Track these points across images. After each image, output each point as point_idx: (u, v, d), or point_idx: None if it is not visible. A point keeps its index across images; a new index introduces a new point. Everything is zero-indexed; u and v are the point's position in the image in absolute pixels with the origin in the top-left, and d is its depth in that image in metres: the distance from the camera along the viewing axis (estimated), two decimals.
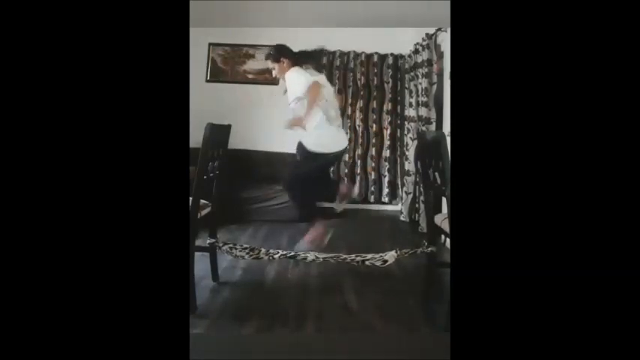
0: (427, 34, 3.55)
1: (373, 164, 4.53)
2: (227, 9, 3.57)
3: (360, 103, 4.52)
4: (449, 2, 0.95)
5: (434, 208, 2.10)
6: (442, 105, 3.44)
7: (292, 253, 2.03)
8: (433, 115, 3.46)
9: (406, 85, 4.22)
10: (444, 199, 2.29)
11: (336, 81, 4.50)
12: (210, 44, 4.53)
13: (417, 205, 3.78)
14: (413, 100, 3.84)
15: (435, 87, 3.49)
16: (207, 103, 4.17)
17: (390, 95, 4.51)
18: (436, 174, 1.81)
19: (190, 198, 1.80)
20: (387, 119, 4.51)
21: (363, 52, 4.52)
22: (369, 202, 4.55)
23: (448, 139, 1.73)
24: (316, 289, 2.19)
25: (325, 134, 2.37)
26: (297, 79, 2.33)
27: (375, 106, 4.53)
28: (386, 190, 4.53)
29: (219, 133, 1.99)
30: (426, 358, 1.56)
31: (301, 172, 2.38)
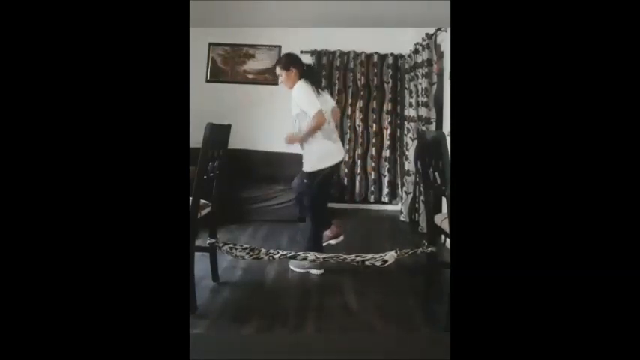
0: (427, 34, 3.55)
1: (373, 164, 4.53)
2: (227, 9, 3.57)
3: (360, 103, 4.52)
4: (449, 2, 0.95)
5: (434, 208, 2.10)
6: (442, 105, 3.45)
7: (292, 253, 2.03)
8: (433, 115, 3.46)
9: (406, 85, 4.22)
10: (444, 199, 2.29)
11: (336, 81, 4.51)
12: (210, 44, 4.53)
13: (417, 205, 3.78)
14: (413, 100, 3.84)
15: (435, 87, 3.49)
16: (207, 103, 4.17)
17: (390, 95, 4.51)
18: (436, 174, 1.81)
19: (190, 198, 1.80)
20: (387, 119, 4.51)
21: (363, 52, 4.52)
22: (369, 202, 4.56)
23: (448, 139, 1.73)
24: (316, 289, 2.19)
25: (322, 150, 2.39)
26: (305, 98, 2.33)
27: (375, 106, 4.53)
28: (386, 190, 4.53)
29: (219, 133, 1.99)
30: (426, 358, 1.56)
31: (310, 192, 2.41)
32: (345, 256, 1.99)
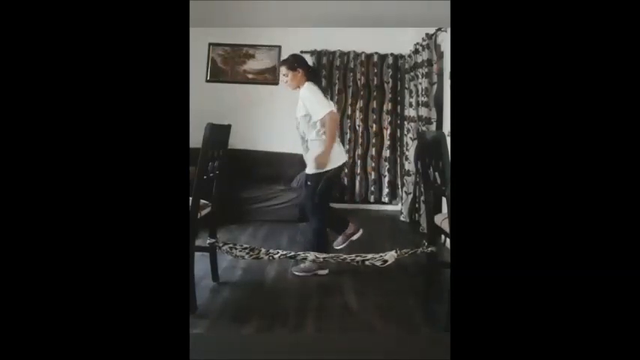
0: (427, 34, 3.55)
1: (373, 164, 4.53)
2: (227, 9, 3.57)
3: (360, 103, 4.53)
4: (449, 2, 0.95)
5: (434, 208, 2.10)
6: (442, 105, 3.45)
7: (292, 253, 2.03)
8: (433, 115, 3.46)
9: (406, 85, 4.23)
10: (444, 199, 2.29)
11: (336, 81, 4.51)
12: (210, 44, 4.53)
13: (417, 205, 3.78)
14: (413, 100, 3.84)
15: (435, 87, 3.49)
16: (207, 103, 4.17)
17: (390, 95, 4.51)
18: (436, 174, 1.81)
19: (190, 198, 1.80)
20: (387, 119, 4.51)
21: (363, 52, 4.52)
22: (369, 202, 4.56)
23: (448, 139, 1.73)
24: (316, 289, 2.19)
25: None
26: (315, 99, 2.31)
27: (375, 106, 4.53)
28: (386, 190, 4.53)
29: (219, 133, 1.99)
30: (426, 358, 1.56)
31: (312, 194, 2.39)
32: (345, 256, 1.99)
